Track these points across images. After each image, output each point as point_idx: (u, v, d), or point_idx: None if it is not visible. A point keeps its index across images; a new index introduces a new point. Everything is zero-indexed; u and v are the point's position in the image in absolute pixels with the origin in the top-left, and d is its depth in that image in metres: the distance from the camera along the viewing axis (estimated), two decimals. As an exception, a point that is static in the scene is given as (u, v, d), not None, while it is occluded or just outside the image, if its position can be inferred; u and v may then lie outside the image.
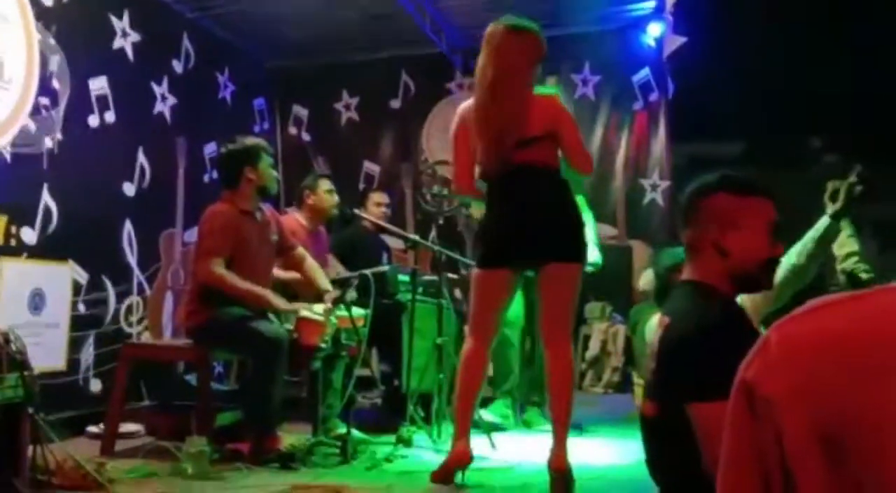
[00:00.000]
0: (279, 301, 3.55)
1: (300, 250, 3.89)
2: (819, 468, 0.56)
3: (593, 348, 5.57)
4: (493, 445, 3.63)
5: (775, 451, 0.59)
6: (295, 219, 4.40)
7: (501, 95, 2.91)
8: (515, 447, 3.68)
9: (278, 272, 3.96)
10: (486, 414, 4.01)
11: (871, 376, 0.54)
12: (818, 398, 0.56)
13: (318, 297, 3.70)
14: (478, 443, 3.59)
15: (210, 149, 5.91)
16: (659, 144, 6.27)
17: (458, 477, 2.97)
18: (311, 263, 3.86)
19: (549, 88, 3.17)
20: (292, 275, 3.98)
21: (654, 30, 6.00)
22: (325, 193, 4.44)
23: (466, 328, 3.25)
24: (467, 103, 3.06)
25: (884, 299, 0.60)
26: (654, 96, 6.25)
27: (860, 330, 0.57)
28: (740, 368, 0.64)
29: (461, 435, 2.97)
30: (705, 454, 1.49)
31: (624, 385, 5.48)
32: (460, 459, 2.94)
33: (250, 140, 3.84)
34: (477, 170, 3.06)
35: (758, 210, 1.68)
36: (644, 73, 6.24)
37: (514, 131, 2.91)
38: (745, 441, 0.63)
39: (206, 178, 5.82)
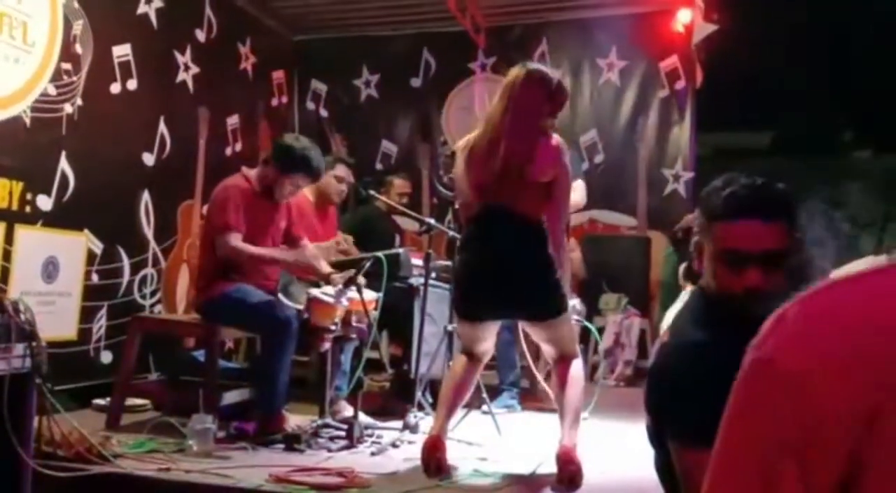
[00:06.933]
0: (294, 256, 3.61)
1: (305, 241, 3.88)
2: (870, 441, 0.52)
3: (607, 341, 5.49)
4: (499, 431, 3.61)
5: (810, 429, 0.53)
6: (305, 196, 4.34)
7: (513, 133, 2.90)
8: (522, 436, 3.65)
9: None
10: (493, 405, 3.98)
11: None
12: (854, 371, 0.52)
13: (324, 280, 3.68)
14: (485, 430, 3.58)
15: (232, 120, 5.86)
16: (684, 133, 6.09)
17: (467, 468, 2.98)
18: (311, 251, 3.85)
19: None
20: None
21: (684, 16, 5.87)
22: (333, 179, 4.37)
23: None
24: (469, 137, 3.04)
25: None
26: (680, 85, 6.06)
27: (881, 307, 0.54)
28: (750, 347, 0.59)
29: (436, 429, 3.01)
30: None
31: (636, 379, 5.40)
32: (431, 446, 2.94)
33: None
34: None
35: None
36: (672, 60, 6.05)
37: (518, 171, 2.89)
38: (767, 423, 0.56)
39: (227, 150, 5.77)
